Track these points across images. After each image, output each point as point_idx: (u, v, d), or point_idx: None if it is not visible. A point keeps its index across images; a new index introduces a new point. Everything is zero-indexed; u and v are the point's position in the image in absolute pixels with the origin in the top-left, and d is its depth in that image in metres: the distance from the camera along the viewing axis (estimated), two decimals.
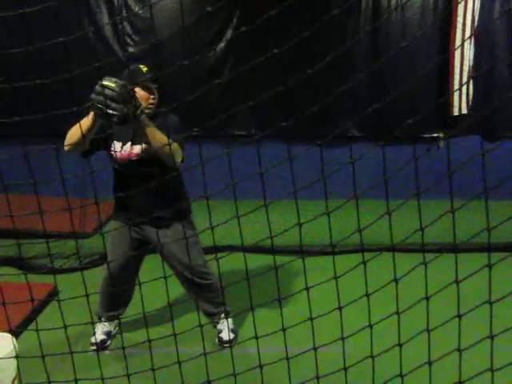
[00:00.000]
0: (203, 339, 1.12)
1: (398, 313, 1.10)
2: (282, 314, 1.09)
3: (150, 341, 1.08)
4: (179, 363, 1.14)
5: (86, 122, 2.17)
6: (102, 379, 1.10)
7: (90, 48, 4.92)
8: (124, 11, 5.12)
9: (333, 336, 1.19)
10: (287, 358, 1.09)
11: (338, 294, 1.07)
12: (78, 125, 2.23)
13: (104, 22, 5.13)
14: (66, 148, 2.27)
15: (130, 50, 5.13)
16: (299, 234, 1.07)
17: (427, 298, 1.08)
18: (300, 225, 1.06)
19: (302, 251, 1.13)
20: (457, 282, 1.08)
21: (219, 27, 5.17)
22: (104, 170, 2.75)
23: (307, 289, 1.10)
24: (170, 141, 2.27)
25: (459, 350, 1.11)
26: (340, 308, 1.08)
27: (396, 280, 1.06)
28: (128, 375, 1.11)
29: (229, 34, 5.16)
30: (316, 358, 1.10)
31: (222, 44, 5.16)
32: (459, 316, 1.07)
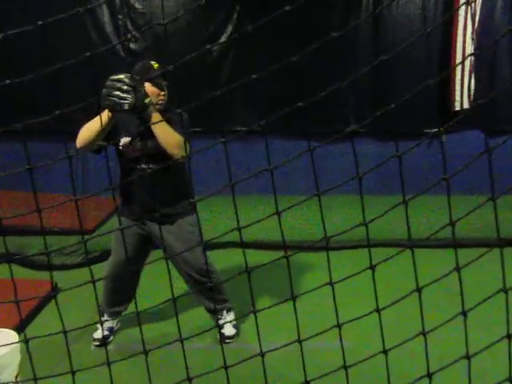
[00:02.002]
0: (180, 335, 1.12)
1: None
2: (295, 309, 1.09)
3: (146, 353, 1.08)
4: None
5: (101, 119, 2.19)
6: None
7: (90, 43, 4.92)
8: (125, 8, 5.11)
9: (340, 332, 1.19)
10: (299, 340, 1.08)
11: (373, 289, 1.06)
12: (91, 123, 2.26)
13: (105, 18, 5.12)
14: (78, 146, 2.29)
15: (131, 46, 5.12)
16: (366, 230, 1.06)
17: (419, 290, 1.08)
18: (366, 224, 1.05)
19: (369, 245, 1.11)
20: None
21: (220, 22, 5.16)
22: (101, 167, 2.76)
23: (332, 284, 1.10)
24: (178, 135, 2.30)
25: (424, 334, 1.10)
26: (378, 310, 1.07)
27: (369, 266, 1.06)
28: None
29: (229, 28, 5.14)
30: (343, 353, 1.09)
31: (223, 39, 5.15)
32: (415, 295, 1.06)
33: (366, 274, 1.10)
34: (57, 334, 1.12)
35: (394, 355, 1.16)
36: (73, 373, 1.09)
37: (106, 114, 2.15)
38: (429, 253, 3.55)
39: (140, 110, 2.15)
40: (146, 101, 2.19)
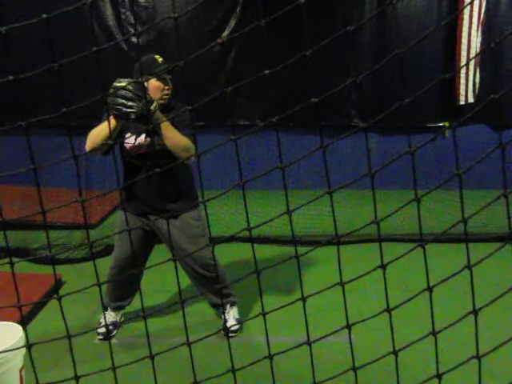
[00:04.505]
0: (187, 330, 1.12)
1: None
2: (298, 295, 1.08)
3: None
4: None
5: (107, 125, 2.20)
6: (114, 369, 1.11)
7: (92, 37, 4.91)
8: (127, 1, 5.09)
9: (338, 326, 1.20)
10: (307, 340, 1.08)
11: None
12: (98, 130, 2.28)
13: (107, 11, 5.10)
14: (88, 150, 2.31)
15: (133, 39, 5.10)
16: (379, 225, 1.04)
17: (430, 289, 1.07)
18: (377, 222, 1.03)
19: (380, 242, 1.09)
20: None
21: (223, 15, 5.14)
22: (103, 162, 2.77)
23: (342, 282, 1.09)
24: (185, 138, 2.32)
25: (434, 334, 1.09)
26: (389, 309, 1.06)
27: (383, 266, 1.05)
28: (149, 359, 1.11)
29: (232, 23, 5.12)
30: (352, 350, 1.09)
31: (226, 32, 5.13)
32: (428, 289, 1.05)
33: (368, 269, 1.09)
34: (59, 339, 1.12)
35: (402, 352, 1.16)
36: (76, 379, 1.10)
37: (112, 121, 2.15)
38: (435, 247, 3.56)
39: (146, 118, 2.15)
40: (152, 107, 2.18)
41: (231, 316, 2.79)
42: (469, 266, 1.03)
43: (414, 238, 3.75)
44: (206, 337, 1.13)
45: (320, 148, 0.98)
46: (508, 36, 1.01)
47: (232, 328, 2.74)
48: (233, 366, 1.10)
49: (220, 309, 2.80)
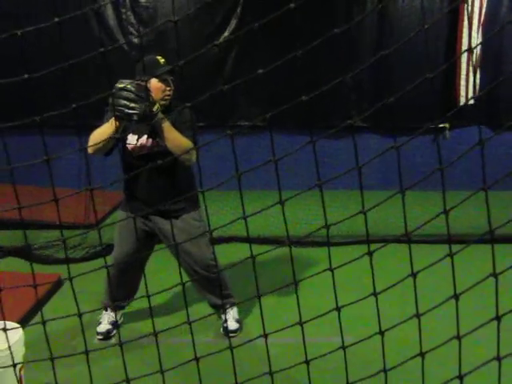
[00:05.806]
0: (191, 330, 1.13)
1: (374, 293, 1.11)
2: (296, 300, 1.09)
3: (155, 334, 1.10)
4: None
5: (110, 126, 2.20)
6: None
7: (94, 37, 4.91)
8: (128, 1, 5.10)
9: (336, 327, 1.20)
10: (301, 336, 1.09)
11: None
12: (101, 131, 2.29)
13: (108, 11, 5.11)
14: (90, 151, 2.31)
15: (134, 40, 5.10)
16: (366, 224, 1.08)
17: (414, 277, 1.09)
18: (364, 213, 1.07)
19: (367, 231, 1.14)
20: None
21: (223, 16, 5.14)
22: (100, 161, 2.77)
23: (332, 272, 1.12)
24: (186, 140, 2.33)
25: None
26: (376, 293, 1.10)
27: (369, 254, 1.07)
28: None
29: (233, 23, 5.12)
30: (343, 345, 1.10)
31: (226, 33, 5.13)
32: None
33: (366, 271, 1.10)
34: (72, 316, 1.14)
35: (394, 346, 1.16)
36: (87, 353, 1.12)
37: (115, 122, 2.15)
38: (429, 248, 3.55)
39: (149, 119, 2.16)
40: (154, 109, 2.18)
41: (231, 316, 2.79)
42: (450, 254, 1.09)
43: (415, 239, 3.75)
44: (206, 316, 1.15)
45: (310, 142, 1.00)
46: (509, 34, 1.01)
47: (232, 328, 2.74)
48: (231, 352, 1.11)
49: (221, 309, 2.80)
